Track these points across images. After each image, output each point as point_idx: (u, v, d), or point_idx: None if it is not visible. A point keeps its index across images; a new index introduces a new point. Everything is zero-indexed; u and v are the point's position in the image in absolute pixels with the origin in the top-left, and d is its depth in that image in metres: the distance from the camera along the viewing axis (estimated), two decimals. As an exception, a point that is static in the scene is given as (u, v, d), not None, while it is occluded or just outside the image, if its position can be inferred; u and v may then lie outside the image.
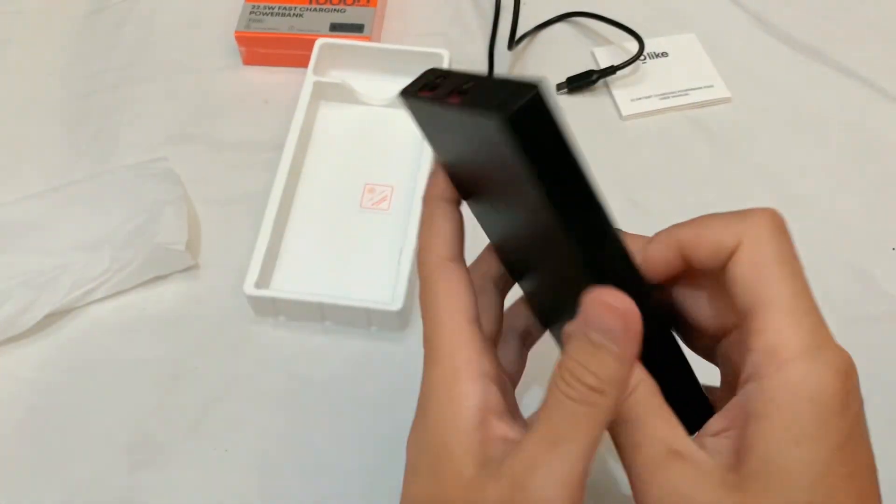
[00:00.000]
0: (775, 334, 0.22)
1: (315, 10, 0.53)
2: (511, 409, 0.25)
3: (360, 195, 0.46)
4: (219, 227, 0.47)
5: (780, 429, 0.21)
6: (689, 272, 0.25)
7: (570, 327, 0.22)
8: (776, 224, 0.23)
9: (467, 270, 0.26)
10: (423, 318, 0.25)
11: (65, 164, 0.49)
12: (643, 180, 0.48)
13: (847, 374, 0.21)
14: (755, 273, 0.22)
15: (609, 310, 0.21)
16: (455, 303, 0.25)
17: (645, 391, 0.23)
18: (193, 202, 0.47)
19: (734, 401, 0.23)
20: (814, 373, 0.21)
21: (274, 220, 0.43)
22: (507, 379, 0.27)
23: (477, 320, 0.25)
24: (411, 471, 0.25)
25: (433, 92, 0.25)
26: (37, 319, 0.41)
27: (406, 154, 0.48)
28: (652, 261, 0.25)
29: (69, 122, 0.52)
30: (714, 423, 0.23)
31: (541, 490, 0.21)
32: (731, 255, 0.23)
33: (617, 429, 0.23)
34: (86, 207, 0.44)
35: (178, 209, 0.44)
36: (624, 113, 0.51)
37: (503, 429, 0.23)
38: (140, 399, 0.40)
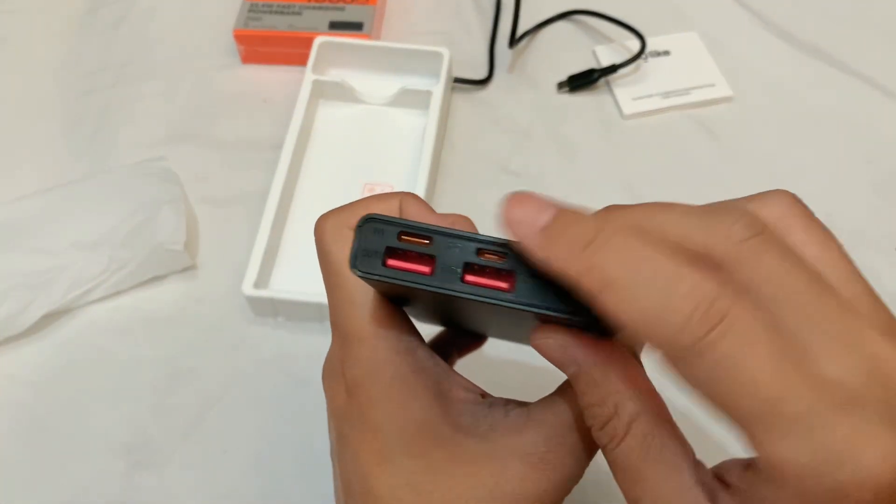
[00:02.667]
0: (755, 405, 0.17)
1: (314, 8, 0.53)
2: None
3: (359, 195, 0.46)
4: (217, 227, 0.46)
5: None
6: None
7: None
8: (796, 208, 0.22)
9: None
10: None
11: (62, 164, 0.49)
12: (644, 179, 0.48)
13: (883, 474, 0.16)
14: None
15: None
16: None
17: (638, 435, 0.19)
18: (192, 202, 0.47)
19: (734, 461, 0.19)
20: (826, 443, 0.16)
21: (273, 219, 0.43)
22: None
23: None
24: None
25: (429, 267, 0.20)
26: (35, 319, 0.41)
27: (406, 153, 0.48)
28: None
29: (67, 121, 0.51)
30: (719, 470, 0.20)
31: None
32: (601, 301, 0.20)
33: (613, 461, 0.20)
34: (84, 207, 0.44)
35: (177, 209, 0.43)
36: (625, 112, 0.51)
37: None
38: (138, 399, 0.40)
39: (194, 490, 0.38)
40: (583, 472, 0.22)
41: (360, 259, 0.20)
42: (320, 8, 0.53)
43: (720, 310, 0.16)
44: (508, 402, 0.24)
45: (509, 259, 0.20)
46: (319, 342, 0.42)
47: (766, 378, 0.16)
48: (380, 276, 0.20)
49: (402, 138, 0.48)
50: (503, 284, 0.19)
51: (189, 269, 0.44)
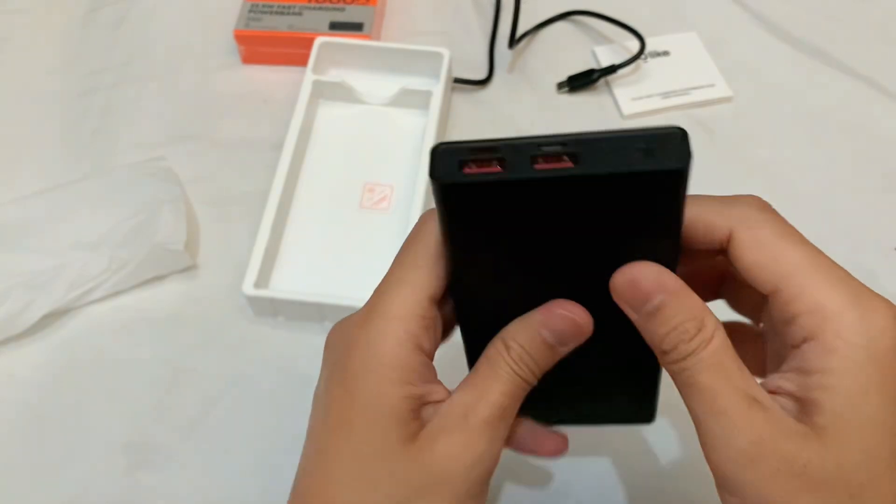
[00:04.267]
0: (814, 295, 0.22)
1: (314, 8, 0.53)
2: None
3: (359, 195, 0.46)
4: (217, 227, 0.46)
5: (846, 383, 0.21)
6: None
7: (530, 316, 0.24)
8: (763, 206, 0.25)
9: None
10: (404, 251, 0.25)
11: (63, 164, 0.49)
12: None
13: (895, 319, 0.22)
14: (763, 252, 0.23)
15: (568, 320, 0.24)
16: (423, 275, 0.25)
17: (720, 341, 0.23)
18: (192, 202, 0.47)
19: (788, 364, 0.23)
20: (865, 322, 0.22)
21: (273, 219, 0.43)
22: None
23: (435, 298, 0.25)
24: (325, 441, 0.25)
25: (502, 165, 0.21)
26: (35, 319, 0.41)
27: (406, 154, 0.48)
28: None
29: (67, 121, 0.51)
30: (768, 384, 0.23)
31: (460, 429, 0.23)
32: (725, 240, 0.24)
33: (695, 374, 0.22)
34: (84, 207, 0.44)
35: (177, 209, 0.43)
36: (625, 112, 0.51)
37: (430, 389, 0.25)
38: (138, 399, 0.40)
39: (195, 489, 0.38)
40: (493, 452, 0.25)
41: (440, 171, 0.21)
42: (320, 8, 0.53)
43: None
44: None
45: (570, 145, 0.21)
46: (319, 342, 0.42)
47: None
48: (459, 182, 0.21)
49: (403, 138, 0.48)
50: (569, 164, 0.21)
51: (189, 268, 0.45)
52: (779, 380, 0.23)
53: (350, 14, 0.52)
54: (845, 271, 0.23)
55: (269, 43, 0.52)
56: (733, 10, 0.57)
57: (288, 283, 0.43)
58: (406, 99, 0.49)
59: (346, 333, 0.25)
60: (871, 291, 0.23)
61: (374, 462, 0.23)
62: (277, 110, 0.51)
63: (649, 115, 0.51)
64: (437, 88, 0.48)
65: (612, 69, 0.51)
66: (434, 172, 0.21)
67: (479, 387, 0.25)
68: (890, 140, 0.50)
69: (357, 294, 0.41)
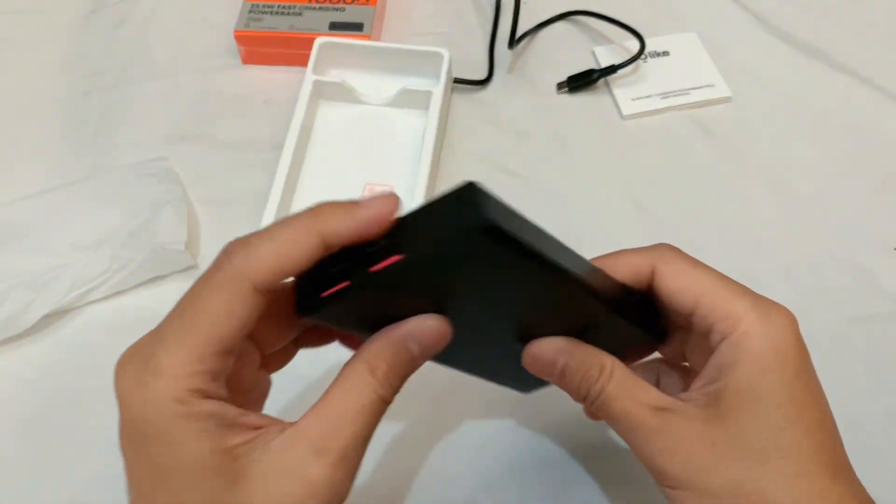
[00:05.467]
0: (724, 305, 0.26)
1: (314, 8, 0.53)
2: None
3: (359, 195, 0.46)
4: (218, 227, 0.46)
5: (748, 366, 0.26)
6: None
7: (391, 332, 0.25)
8: (674, 248, 0.29)
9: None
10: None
11: (64, 164, 0.49)
12: (644, 180, 0.48)
13: (793, 321, 0.26)
14: (681, 279, 0.27)
15: (436, 331, 0.25)
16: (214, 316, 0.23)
17: (620, 372, 0.27)
18: (193, 202, 0.47)
19: (708, 366, 0.27)
20: (765, 320, 0.26)
21: (273, 219, 0.43)
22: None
23: (224, 340, 0.23)
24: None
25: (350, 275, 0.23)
26: (36, 319, 0.41)
27: (406, 153, 0.48)
28: None
29: (68, 121, 0.51)
30: (692, 388, 0.28)
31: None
32: (649, 277, 0.28)
33: (608, 406, 0.27)
34: (85, 207, 0.44)
35: (178, 209, 0.43)
36: (625, 112, 0.51)
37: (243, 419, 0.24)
38: (139, 399, 0.40)
39: (195, 489, 0.38)
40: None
41: (302, 305, 0.24)
42: (321, 9, 0.53)
43: None
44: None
45: (387, 238, 0.23)
46: (320, 342, 0.42)
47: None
48: (319, 307, 0.24)
49: (403, 138, 0.49)
50: (398, 256, 0.22)
51: (190, 268, 0.45)
52: (693, 384, 0.28)
53: (350, 14, 0.52)
54: (746, 287, 0.27)
55: (269, 43, 0.52)
56: (733, 10, 0.57)
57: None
58: (406, 99, 0.49)
59: (130, 380, 0.25)
60: (770, 300, 0.27)
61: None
62: (278, 110, 0.51)
63: (649, 115, 0.51)
64: (437, 89, 0.48)
65: (612, 69, 0.51)
66: (299, 308, 0.24)
67: (336, 417, 0.24)
68: (889, 140, 0.50)
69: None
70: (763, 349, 0.26)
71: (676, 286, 0.27)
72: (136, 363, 0.24)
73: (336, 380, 0.25)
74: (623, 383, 0.27)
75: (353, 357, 0.25)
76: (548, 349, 0.28)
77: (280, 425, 0.24)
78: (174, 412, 0.22)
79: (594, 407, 0.28)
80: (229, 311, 0.23)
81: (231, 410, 0.24)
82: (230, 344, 0.23)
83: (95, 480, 0.38)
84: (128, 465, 0.24)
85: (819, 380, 0.27)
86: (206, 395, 0.23)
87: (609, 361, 0.28)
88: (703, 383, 0.27)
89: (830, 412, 0.27)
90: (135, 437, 0.24)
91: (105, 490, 0.38)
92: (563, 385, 0.29)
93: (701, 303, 0.27)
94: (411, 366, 0.25)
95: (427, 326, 0.25)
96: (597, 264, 0.28)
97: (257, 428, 0.24)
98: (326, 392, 0.25)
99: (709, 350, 0.27)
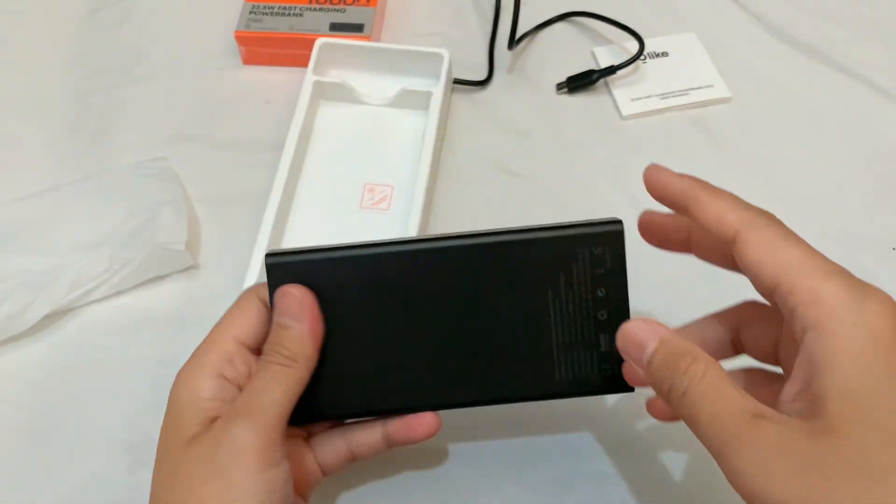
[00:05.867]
0: (810, 286, 0.23)
1: (315, 9, 0.53)
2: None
3: (359, 195, 0.46)
4: (218, 227, 0.47)
5: (849, 364, 0.22)
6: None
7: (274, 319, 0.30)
8: (773, 217, 0.26)
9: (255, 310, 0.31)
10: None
11: (64, 164, 0.49)
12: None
13: (893, 306, 0.23)
14: (764, 251, 0.24)
15: (291, 299, 0.29)
16: (228, 323, 0.30)
17: (716, 370, 0.24)
18: (193, 202, 0.47)
19: (798, 362, 0.24)
20: (859, 306, 0.23)
21: (274, 219, 0.43)
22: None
23: (238, 338, 0.30)
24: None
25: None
26: (36, 319, 0.41)
27: (406, 154, 0.48)
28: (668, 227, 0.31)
29: (68, 121, 0.52)
30: (786, 392, 0.24)
31: (239, 436, 0.27)
32: (732, 236, 0.25)
33: (695, 406, 0.24)
34: (85, 207, 0.44)
35: (178, 209, 0.44)
36: (624, 113, 0.51)
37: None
38: (140, 398, 0.40)
39: (196, 488, 0.38)
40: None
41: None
42: (321, 9, 0.53)
43: None
44: None
45: None
46: (320, 341, 0.42)
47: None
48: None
49: (403, 139, 0.49)
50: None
51: (190, 268, 0.45)
52: (787, 387, 0.24)
53: (350, 15, 0.53)
54: (840, 266, 0.24)
55: (269, 44, 0.52)
56: (732, 10, 0.57)
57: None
58: (406, 100, 0.49)
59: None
60: (864, 282, 0.24)
61: (166, 461, 0.29)
62: (278, 111, 0.51)
63: (648, 115, 0.51)
64: (437, 89, 0.48)
65: (612, 70, 0.51)
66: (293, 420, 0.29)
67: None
68: (889, 140, 0.50)
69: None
70: (862, 341, 0.22)
71: (757, 257, 0.25)
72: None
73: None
74: (717, 383, 0.24)
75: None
76: (641, 327, 0.26)
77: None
78: (191, 380, 0.30)
79: (678, 405, 0.25)
80: (246, 310, 0.31)
81: (227, 390, 0.29)
82: (244, 334, 0.30)
83: (95, 480, 0.38)
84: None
85: None
86: (219, 373, 0.29)
87: (703, 357, 0.25)
88: (799, 387, 0.24)
89: None
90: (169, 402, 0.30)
91: (105, 490, 0.38)
92: (648, 373, 0.26)
93: (783, 281, 0.24)
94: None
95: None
96: (689, 202, 0.27)
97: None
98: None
99: (794, 335, 0.24)
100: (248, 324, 0.30)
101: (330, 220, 0.45)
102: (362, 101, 0.50)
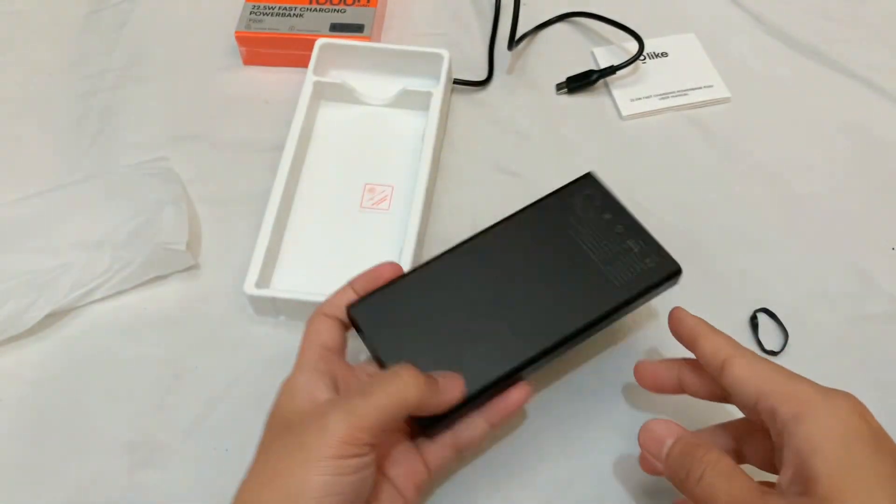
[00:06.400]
0: (785, 388, 0.29)
1: (315, 10, 0.53)
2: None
3: (360, 195, 0.47)
4: (219, 227, 0.47)
5: (833, 449, 0.27)
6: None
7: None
8: (745, 349, 0.32)
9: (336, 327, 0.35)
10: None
11: (65, 164, 0.49)
12: (643, 180, 0.48)
13: (856, 402, 0.28)
14: (746, 370, 0.30)
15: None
16: (314, 337, 0.34)
17: (727, 460, 0.29)
18: (194, 202, 0.47)
19: (786, 453, 0.28)
20: (831, 403, 0.28)
21: (274, 219, 0.43)
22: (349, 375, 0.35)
23: (326, 345, 0.34)
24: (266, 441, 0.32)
25: None
26: (37, 319, 0.41)
27: (406, 154, 0.48)
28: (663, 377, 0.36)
29: (70, 121, 0.52)
30: (781, 480, 0.29)
31: (331, 423, 0.29)
32: (721, 365, 0.31)
33: (710, 490, 0.29)
34: (86, 207, 0.44)
35: (179, 209, 0.44)
36: (624, 113, 0.51)
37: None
38: (140, 398, 0.40)
39: (196, 488, 0.38)
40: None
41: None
42: (321, 10, 0.53)
43: None
44: None
45: None
46: (320, 341, 0.42)
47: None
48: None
49: (403, 139, 0.49)
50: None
51: (191, 268, 0.45)
52: (781, 475, 0.29)
53: (350, 16, 0.53)
54: (806, 378, 0.30)
55: (270, 44, 0.53)
56: (731, 11, 0.57)
57: (289, 283, 0.43)
58: (406, 100, 0.49)
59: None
60: (835, 389, 0.29)
61: (265, 438, 0.32)
62: (278, 111, 0.51)
63: (648, 115, 0.51)
64: (437, 89, 0.48)
65: (611, 70, 0.51)
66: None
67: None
68: (887, 141, 0.50)
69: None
70: (834, 426, 0.27)
71: (742, 375, 0.30)
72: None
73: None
74: (731, 468, 0.29)
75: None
76: (658, 429, 0.32)
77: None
78: (294, 382, 0.33)
79: (694, 489, 0.29)
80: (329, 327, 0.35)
81: (325, 389, 0.32)
82: (331, 341, 0.34)
83: (95, 480, 0.38)
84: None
85: None
86: (318, 370, 0.33)
87: (716, 448, 0.30)
88: (791, 473, 0.28)
89: None
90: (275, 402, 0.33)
91: (105, 490, 0.38)
92: (666, 465, 0.31)
93: (763, 390, 0.29)
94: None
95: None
96: (692, 332, 0.33)
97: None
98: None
99: (778, 434, 0.29)
100: (328, 335, 0.34)
101: (330, 220, 0.46)
102: (362, 102, 0.50)
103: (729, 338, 0.32)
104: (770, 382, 0.29)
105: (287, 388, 0.32)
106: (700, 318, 0.34)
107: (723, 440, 0.34)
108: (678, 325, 0.34)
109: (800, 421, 0.28)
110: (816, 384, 0.29)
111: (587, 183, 0.39)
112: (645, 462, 0.34)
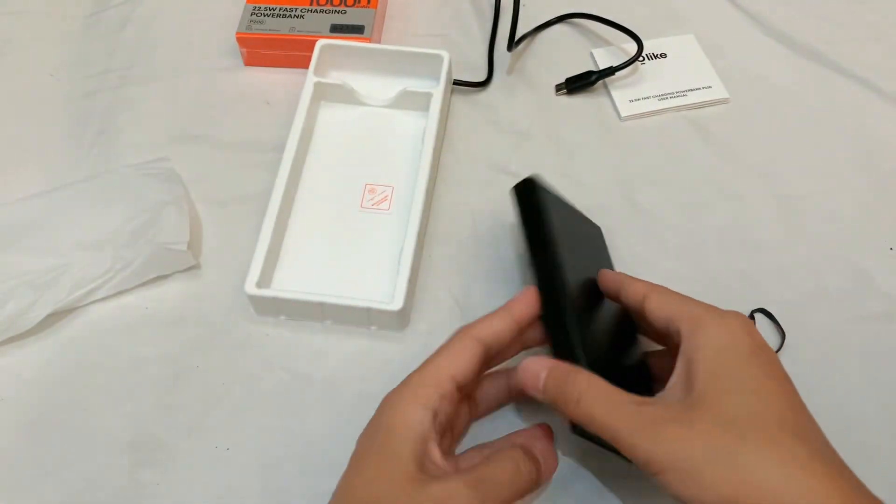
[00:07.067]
0: (686, 311, 0.32)
1: (316, 11, 0.53)
2: (444, 447, 0.34)
3: (360, 195, 0.47)
4: (220, 227, 0.47)
5: (709, 352, 0.30)
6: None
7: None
8: (662, 287, 0.35)
9: (475, 352, 0.34)
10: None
11: (66, 165, 0.50)
12: (642, 181, 0.49)
13: (744, 320, 0.31)
14: (660, 301, 0.34)
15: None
16: (447, 361, 0.33)
17: (598, 381, 0.31)
18: (195, 202, 0.47)
19: (678, 362, 0.31)
20: (720, 318, 0.31)
21: (275, 220, 0.43)
22: (458, 426, 0.36)
23: (455, 378, 0.33)
24: (356, 462, 0.31)
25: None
26: (39, 319, 0.41)
27: (406, 154, 0.48)
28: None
29: (71, 122, 0.52)
30: (669, 385, 0.31)
31: None
32: (642, 303, 0.34)
33: (590, 409, 0.30)
34: (87, 207, 0.44)
35: (180, 209, 0.44)
36: (623, 114, 0.51)
37: (438, 454, 0.31)
38: (141, 398, 0.41)
39: (197, 487, 0.38)
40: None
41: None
42: (322, 11, 0.53)
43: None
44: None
45: None
46: (321, 341, 0.43)
47: None
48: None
49: (403, 140, 0.49)
50: None
51: (192, 268, 0.45)
52: (669, 381, 0.31)
53: (351, 17, 0.53)
54: (709, 304, 0.33)
55: (270, 45, 0.53)
56: (730, 12, 0.57)
57: (290, 283, 0.43)
58: (406, 101, 0.49)
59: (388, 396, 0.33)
60: (729, 310, 0.32)
61: (381, 485, 0.30)
62: (279, 112, 0.51)
63: (647, 116, 0.52)
64: (437, 90, 0.48)
65: (610, 71, 0.52)
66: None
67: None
68: (886, 141, 0.50)
69: (357, 294, 0.42)
70: (720, 336, 0.30)
71: (656, 304, 0.34)
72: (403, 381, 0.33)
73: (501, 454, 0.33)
74: (604, 387, 0.31)
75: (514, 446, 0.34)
76: (533, 365, 0.33)
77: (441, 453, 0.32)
78: (405, 412, 0.32)
79: (574, 411, 0.31)
80: (463, 350, 0.34)
81: (433, 428, 0.32)
82: (461, 374, 0.33)
83: (96, 480, 0.38)
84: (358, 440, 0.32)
85: (779, 362, 0.31)
86: (432, 408, 0.32)
87: (585, 371, 0.32)
88: (677, 378, 0.31)
89: (792, 387, 0.30)
90: (373, 422, 0.32)
91: (105, 489, 0.38)
92: (544, 395, 0.33)
93: (671, 315, 0.33)
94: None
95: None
96: (615, 282, 0.36)
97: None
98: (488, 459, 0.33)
99: (678, 345, 0.32)
100: (466, 366, 0.33)
101: (330, 221, 0.46)
102: (363, 103, 0.50)
103: (646, 282, 0.35)
104: (677, 308, 0.33)
105: (392, 425, 0.31)
106: (620, 272, 0.38)
107: None
108: (604, 280, 0.37)
109: (692, 335, 0.31)
110: (716, 308, 0.32)
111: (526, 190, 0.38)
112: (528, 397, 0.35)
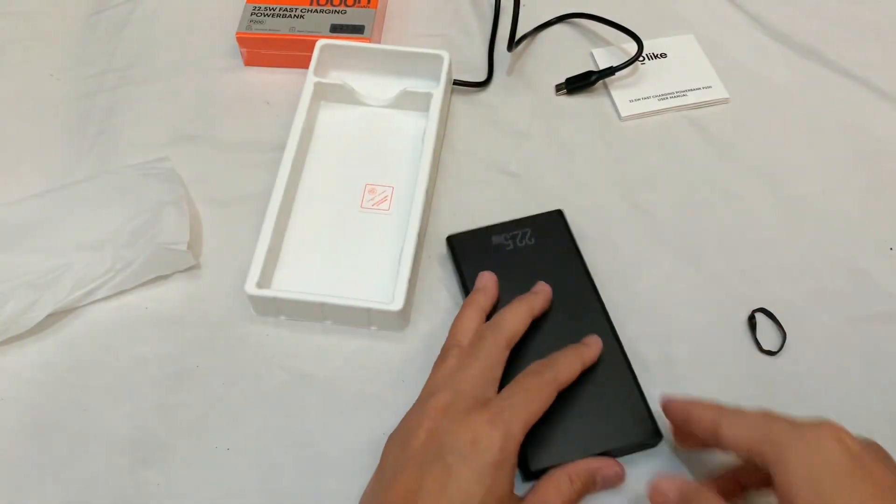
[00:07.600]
0: (772, 438, 0.30)
1: (316, 11, 0.53)
2: None
3: (360, 195, 0.47)
4: (220, 228, 0.47)
5: (802, 484, 0.29)
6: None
7: (590, 462, 0.36)
8: (728, 408, 0.34)
9: None
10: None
11: (67, 165, 0.50)
12: (642, 181, 0.49)
13: (832, 429, 0.30)
14: (737, 432, 0.32)
15: (614, 472, 0.37)
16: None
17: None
18: (195, 202, 0.47)
19: (776, 495, 0.30)
20: (805, 438, 0.30)
21: (275, 220, 0.43)
22: None
23: None
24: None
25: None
26: (39, 319, 0.41)
27: (406, 154, 0.48)
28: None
29: (71, 122, 0.52)
30: None
31: None
32: (716, 435, 0.33)
33: None
34: (88, 207, 0.44)
35: (180, 209, 0.44)
36: (623, 114, 0.51)
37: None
38: (142, 398, 0.41)
39: (198, 487, 0.38)
40: None
41: None
42: (322, 11, 0.53)
43: None
44: None
45: None
46: (320, 341, 0.43)
47: None
48: None
49: (403, 140, 0.49)
50: None
51: (192, 268, 0.45)
52: None
53: (351, 17, 0.53)
54: (785, 416, 0.31)
55: (270, 45, 0.53)
56: (730, 12, 0.57)
57: (290, 283, 0.43)
58: (406, 101, 0.49)
59: None
60: (811, 420, 0.30)
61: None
62: (279, 112, 0.51)
63: (647, 116, 0.52)
64: (438, 90, 0.48)
65: (610, 71, 0.52)
66: None
67: None
68: (885, 141, 0.50)
69: (358, 294, 0.42)
70: (811, 460, 0.29)
71: (730, 435, 0.32)
72: None
73: (543, 480, 0.35)
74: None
75: (560, 468, 0.36)
76: (664, 484, 0.34)
77: None
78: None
79: None
80: None
81: None
82: None
83: (96, 480, 0.38)
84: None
85: (882, 468, 0.29)
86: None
87: (710, 495, 0.32)
88: None
89: None
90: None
91: (105, 490, 0.38)
92: None
93: (750, 445, 0.31)
94: (587, 490, 0.36)
95: (613, 472, 0.36)
96: (683, 412, 0.36)
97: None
98: (535, 488, 0.35)
99: (768, 476, 0.30)
100: None
101: (330, 221, 0.46)
102: (363, 103, 0.50)
103: (712, 404, 0.34)
104: (756, 434, 0.31)
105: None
106: (685, 396, 0.36)
107: (731, 486, 0.36)
108: (668, 409, 0.37)
109: (780, 463, 0.29)
110: (793, 421, 0.31)
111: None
112: None
